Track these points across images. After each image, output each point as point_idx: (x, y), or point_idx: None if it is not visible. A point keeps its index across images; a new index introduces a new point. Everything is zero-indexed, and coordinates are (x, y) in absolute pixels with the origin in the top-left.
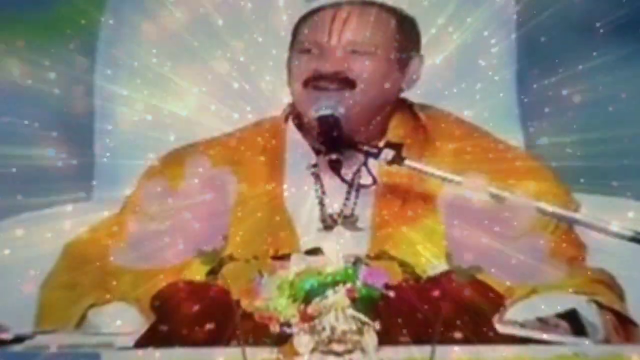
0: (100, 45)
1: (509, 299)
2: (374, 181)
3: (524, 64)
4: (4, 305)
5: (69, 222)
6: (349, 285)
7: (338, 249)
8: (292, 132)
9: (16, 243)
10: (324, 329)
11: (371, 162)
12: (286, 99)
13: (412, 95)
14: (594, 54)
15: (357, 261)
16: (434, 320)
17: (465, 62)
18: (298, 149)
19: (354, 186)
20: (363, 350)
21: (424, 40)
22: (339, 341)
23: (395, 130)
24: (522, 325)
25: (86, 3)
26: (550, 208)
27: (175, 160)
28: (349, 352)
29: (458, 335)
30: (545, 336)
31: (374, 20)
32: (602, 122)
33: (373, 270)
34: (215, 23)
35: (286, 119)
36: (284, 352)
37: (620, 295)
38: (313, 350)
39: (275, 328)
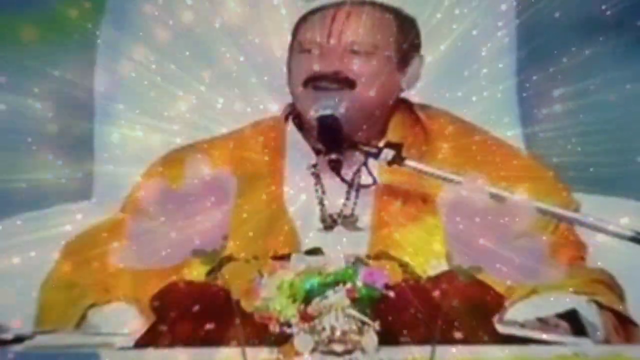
0: (101, 45)
1: (509, 299)
2: (374, 181)
3: (524, 64)
4: (4, 305)
5: (69, 222)
6: (349, 285)
7: (338, 249)
8: (292, 132)
9: (16, 243)
10: (324, 329)
11: (371, 162)
12: (286, 99)
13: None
14: (592, 50)
15: (357, 261)
16: (434, 320)
17: (463, 56)
18: (298, 149)
19: (354, 186)
20: (363, 350)
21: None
22: (339, 341)
23: (395, 130)
24: (522, 325)
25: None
26: (550, 208)
27: (175, 161)
28: (349, 352)
29: (458, 335)
30: (545, 336)
31: (374, 20)
32: (602, 122)
33: (373, 270)
34: (214, 23)
35: (286, 119)
36: (284, 352)
37: (620, 295)
38: (313, 350)
39: (275, 328)
